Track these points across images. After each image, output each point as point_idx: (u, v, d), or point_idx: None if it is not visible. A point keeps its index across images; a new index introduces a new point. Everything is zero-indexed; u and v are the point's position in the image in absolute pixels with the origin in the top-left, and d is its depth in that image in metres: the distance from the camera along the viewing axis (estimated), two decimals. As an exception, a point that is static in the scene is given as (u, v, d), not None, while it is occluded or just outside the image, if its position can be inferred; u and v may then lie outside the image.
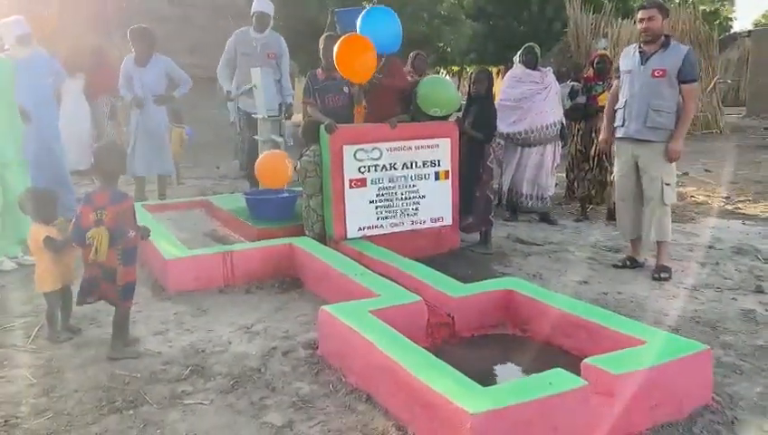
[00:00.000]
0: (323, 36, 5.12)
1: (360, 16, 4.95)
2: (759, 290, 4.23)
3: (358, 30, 4.88)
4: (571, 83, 6.74)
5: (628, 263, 4.80)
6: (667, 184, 4.47)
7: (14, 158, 4.77)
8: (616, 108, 4.72)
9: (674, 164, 4.53)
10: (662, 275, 4.47)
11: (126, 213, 3.22)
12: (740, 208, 7.02)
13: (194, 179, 9.13)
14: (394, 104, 5.10)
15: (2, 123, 4.67)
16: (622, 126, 4.61)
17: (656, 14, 4.40)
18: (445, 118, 5.15)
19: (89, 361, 3.19)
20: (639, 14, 4.52)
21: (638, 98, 4.47)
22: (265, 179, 5.54)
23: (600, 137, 5.11)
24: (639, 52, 4.52)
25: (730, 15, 36.94)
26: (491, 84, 5.49)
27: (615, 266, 4.80)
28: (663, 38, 4.45)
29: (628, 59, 4.62)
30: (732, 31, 29.03)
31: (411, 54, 6.82)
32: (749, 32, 22.59)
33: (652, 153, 4.48)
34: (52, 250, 3.36)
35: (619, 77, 4.76)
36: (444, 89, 5.27)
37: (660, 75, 4.39)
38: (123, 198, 3.25)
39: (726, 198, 7.48)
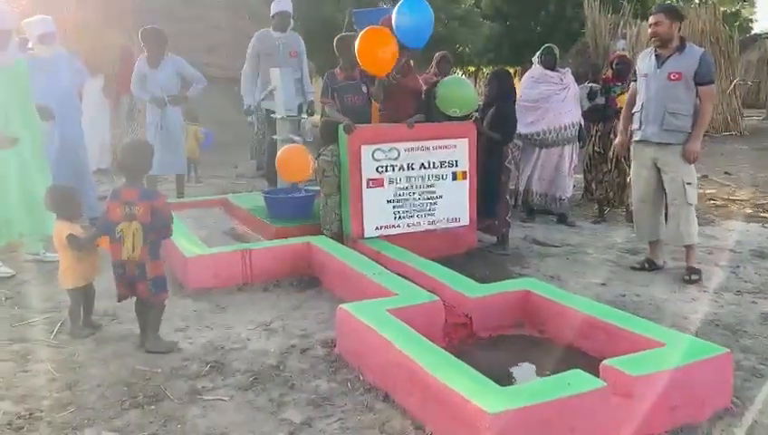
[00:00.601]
0: (340, 36, 5.13)
1: (400, 3, 4.85)
2: (780, 294, 4.20)
3: (394, 16, 4.83)
4: (590, 84, 6.70)
5: (646, 265, 4.77)
6: (689, 183, 4.44)
7: (31, 157, 4.79)
8: (633, 111, 4.70)
9: (693, 164, 4.51)
10: (692, 278, 4.43)
11: (165, 208, 3.27)
12: (760, 211, 6.94)
13: (212, 178, 9.20)
14: (408, 105, 5.11)
15: (18, 123, 4.69)
16: (639, 129, 4.60)
17: (662, 18, 4.38)
18: (464, 118, 5.15)
19: (110, 356, 3.24)
20: (649, 20, 4.53)
21: (655, 101, 4.46)
22: (286, 173, 5.53)
23: (617, 140, 5.09)
24: (655, 55, 4.51)
25: (750, 17, 36.48)
26: (506, 85, 5.46)
27: (633, 269, 4.78)
28: (678, 41, 4.43)
29: (644, 62, 4.61)
30: (752, 32, 28.67)
31: (437, 55, 6.82)
32: (770, 33, 22.30)
33: (671, 155, 4.46)
34: (75, 248, 3.41)
35: (635, 80, 4.75)
36: (463, 89, 5.28)
37: (676, 78, 4.38)
38: (157, 195, 3.30)
39: (746, 200, 7.40)
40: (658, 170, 4.55)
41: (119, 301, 3.38)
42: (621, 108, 6.32)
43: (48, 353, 3.29)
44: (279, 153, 5.41)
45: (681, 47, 4.42)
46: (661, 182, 4.56)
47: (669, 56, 4.43)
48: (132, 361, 3.18)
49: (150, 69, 6.30)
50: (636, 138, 4.67)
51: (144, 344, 3.31)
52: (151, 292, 3.27)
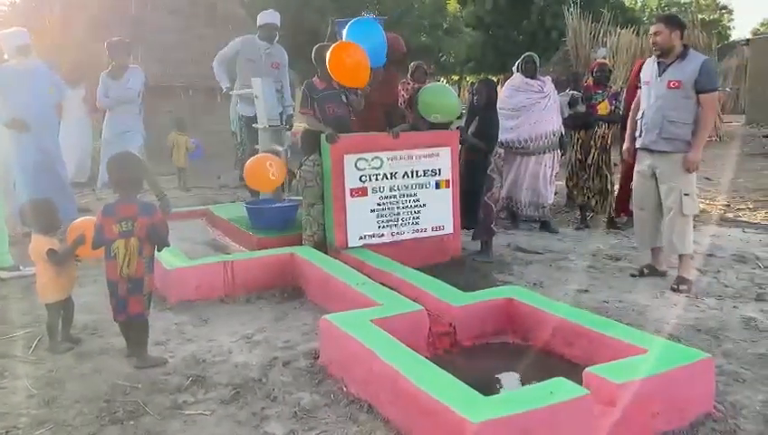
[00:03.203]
0: (319, 45, 5.14)
1: (346, 29, 4.95)
2: (760, 298, 4.23)
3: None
4: (571, 92, 6.76)
5: (645, 271, 4.76)
6: (686, 194, 4.41)
7: None
8: (637, 118, 4.71)
9: (693, 174, 4.48)
10: (681, 288, 4.39)
11: (163, 224, 3.23)
12: (740, 216, 7.02)
13: (195, 189, 9.14)
14: (376, 117, 5.13)
15: None
16: (640, 136, 4.61)
17: (662, 28, 4.39)
18: (446, 126, 5.17)
19: (89, 371, 3.19)
20: (650, 30, 4.56)
21: (655, 109, 4.47)
22: (253, 183, 5.57)
23: (623, 146, 5.08)
24: (658, 63, 4.51)
25: (729, 24, 37.08)
26: (493, 94, 5.52)
27: (632, 275, 4.76)
28: (681, 49, 4.42)
29: (647, 70, 4.63)
30: (731, 39, 29.14)
31: (411, 65, 6.89)
32: (747, 40, 22.67)
33: (669, 164, 4.45)
34: (54, 263, 3.37)
35: (640, 87, 4.75)
36: (444, 96, 5.31)
37: (675, 86, 4.37)
38: (154, 211, 3.24)
39: (727, 205, 7.48)
40: (657, 178, 4.55)
41: (114, 319, 3.29)
42: (602, 115, 6.41)
43: (26, 369, 3.23)
44: (247, 163, 5.46)
45: (683, 55, 4.41)
46: (659, 191, 4.55)
47: (670, 64, 4.43)
48: (112, 375, 3.13)
49: (112, 80, 6.27)
50: (637, 145, 4.69)
51: (132, 361, 3.26)
52: (147, 306, 3.24)
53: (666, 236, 4.55)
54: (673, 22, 4.47)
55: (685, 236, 4.47)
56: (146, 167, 3.47)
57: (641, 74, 4.75)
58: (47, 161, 5.47)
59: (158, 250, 3.29)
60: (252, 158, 5.59)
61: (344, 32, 4.96)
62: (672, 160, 4.44)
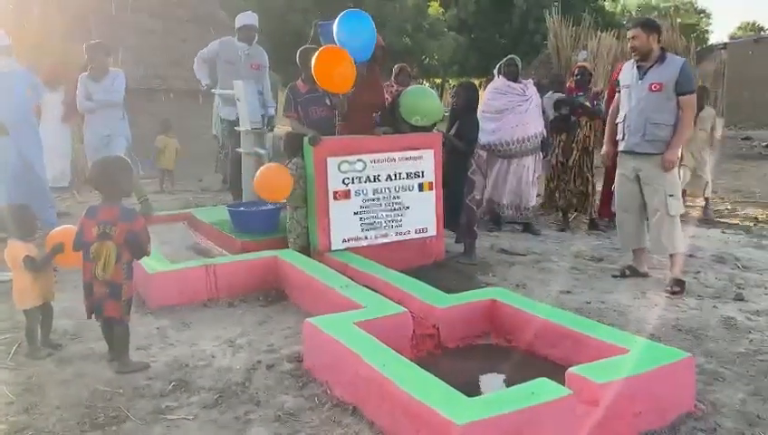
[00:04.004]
0: (303, 48, 5.12)
1: (336, 21, 4.87)
2: (739, 298, 4.29)
3: (334, 34, 4.84)
4: (555, 94, 6.78)
5: (627, 272, 4.80)
6: (671, 195, 4.46)
7: None
8: (617, 121, 4.74)
9: (676, 175, 4.54)
10: (674, 289, 4.39)
11: (144, 230, 3.18)
12: (719, 217, 7.12)
13: (177, 192, 9.08)
14: (364, 118, 5.11)
15: None
16: (623, 140, 4.64)
17: (639, 32, 4.45)
18: (428, 129, 5.18)
19: (70, 377, 3.15)
20: (627, 34, 4.59)
21: (637, 112, 4.51)
22: (265, 193, 5.06)
23: (603, 150, 5.11)
24: (637, 66, 4.55)
25: (707, 28, 37.62)
26: (473, 97, 5.54)
27: (614, 276, 4.80)
28: (659, 52, 4.47)
29: (626, 73, 4.67)
30: (708, 43, 29.56)
31: (395, 68, 6.90)
32: (725, 44, 23.00)
33: (653, 166, 4.49)
34: (31, 269, 3.32)
35: (620, 91, 4.78)
36: (426, 98, 5.31)
37: (657, 89, 4.42)
38: (135, 217, 3.20)
39: (705, 207, 7.56)
40: (641, 181, 4.58)
41: (88, 317, 3.28)
42: (585, 108, 6.46)
43: (4, 376, 3.18)
44: (258, 174, 5.11)
45: (662, 58, 4.47)
46: (642, 193, 4.58)
47: (650, 67, 4.48)
48: (93, 381, 3.10)
49: (93, 83, 6.20)
50: (620, 148, 4.72)
51: (114, 367, 3.22)
52: (125, 312, 3.20)
53: (653, 237, 4.58)
54: (650, 26, 4.52)
55: (674, 236, 4.50)
56: (131, 171, 3.41)
57: (620, 78, 4.79)
58: (26, 165, 5.39)
59: (136, 258, 3.23)
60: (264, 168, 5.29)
61: (334, 26, 4.85)
62: (656, 162, 4.48)
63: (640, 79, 4.51)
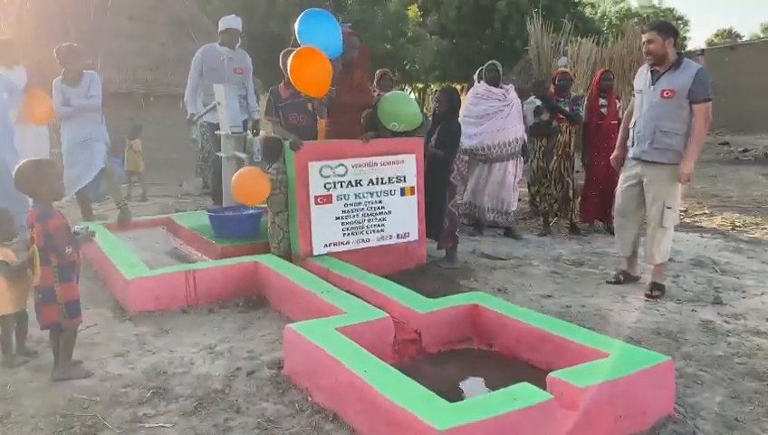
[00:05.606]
0: (285, 51, 5.10)
1: (297, 22, 4.81)
2: (717, 301, 4.33)
3: (298, 35, 4.78)
4: (536, 100, 6.81)
5: (621, 278, 4.78)
6: (669, 207, 4.37)
7: None
8: (629, 127, 4.60)
9: (679, 187, 4.41)
10: (654, 293, 4.41)
11: (57, 231, 3.09)
12: (698, 222, 7.21)
13: (156, 197, 8.99)
14: (351, 119, 5.09)
15: None
16: (632, 146, 4.51)
17: (654, 36, 4.25)
18: (410, 133, 5.17)
19: (46, 385, 3.09)
20: (642, 38, 4.43)
21: (647, 119, 4.35)
22: (242, 197, 5.02)
23: (613, 154, 4.87)
24: (651, 71, 4.39)
25: (684, 35, 38.13)
26: (454, 102, 5.55)
27: (608, 283, 4.77)
28: (675, 57, 4.29)
29: (640, 78, 4.52)
30: (687, 50, 29.98)
31: (377, 73, 6.89)
32: (702, 51, 23.34)
33: (657, 175, 4.37)
34: (5, 276, 3.25)
35: (634, 95, 4.64)
36: (403, 104, 5.25)
37: (669, 96, 4.25)
38: (49, 216, 3.10)
39: (684, 211, 7.66)
40: (643, 187, 4.50)
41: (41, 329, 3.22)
42: (564, 113, 6.48)
43: (-22, 385, 3.12)
44: (235, 177, 5.10)
45: (677, 63, 4.28)
46: (644, 199, 4.51)
47: (664, 73, 4.31)
48: (69, 389, 3.04)
49: (69, 87, 6.09)
50: (629, 155, 4.59)
51: (53, 373, 3.15)
52: (64, 316, 3.12)
53: (647, 246, 4.53)
54: (666, 29, 4.32)
55: (662, 246, 4.45)
56: (53, 173, 3.29)
57: (634, 82, 4.63)
58: (3, 168, 5.30)
59: (60, 261, 3.09)
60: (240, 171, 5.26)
61: (296, 26, 4.80)
62: (661, 172, 4.35)
63: (653, 84, 4.34)
